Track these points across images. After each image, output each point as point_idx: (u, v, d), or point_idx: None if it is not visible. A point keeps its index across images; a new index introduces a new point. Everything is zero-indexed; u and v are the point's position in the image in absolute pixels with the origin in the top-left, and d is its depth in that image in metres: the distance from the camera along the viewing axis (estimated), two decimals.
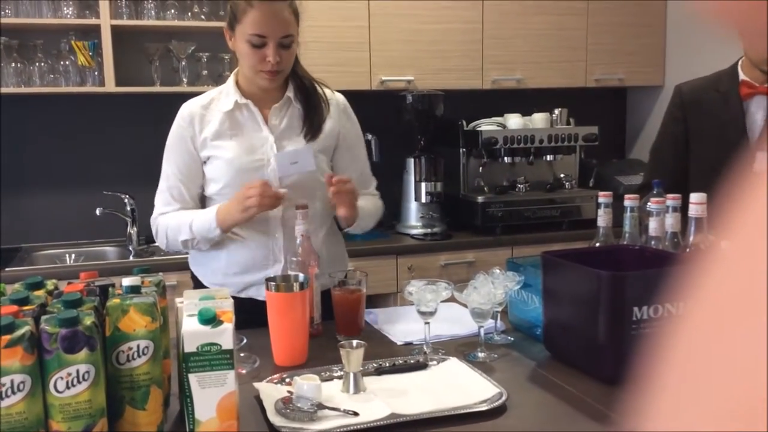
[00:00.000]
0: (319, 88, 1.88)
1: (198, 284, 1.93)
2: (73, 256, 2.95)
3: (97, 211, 2.87)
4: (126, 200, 2.97)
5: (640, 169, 3.21)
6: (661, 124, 2.32)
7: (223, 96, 1.85)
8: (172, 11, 2.99)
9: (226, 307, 1.11)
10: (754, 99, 2.10)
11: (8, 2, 2.77)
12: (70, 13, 2.85)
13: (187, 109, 1.85)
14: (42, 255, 2.92)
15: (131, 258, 2.90)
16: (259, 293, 1.74)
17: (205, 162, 1.84)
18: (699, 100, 2.19)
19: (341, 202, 1.74)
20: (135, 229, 2.98)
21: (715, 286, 0.24)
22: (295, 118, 1.85)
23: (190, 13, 3.02)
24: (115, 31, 2.84)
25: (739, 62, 2.16)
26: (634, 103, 3.85)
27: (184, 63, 3.04)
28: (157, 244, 1.92)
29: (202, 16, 3.03)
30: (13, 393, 0.97)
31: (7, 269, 2.56)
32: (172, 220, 1.82)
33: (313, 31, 3.01)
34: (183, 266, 2.70)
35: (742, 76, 2.12)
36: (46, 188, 3.07)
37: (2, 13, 2.77)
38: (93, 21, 2.81)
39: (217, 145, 1.81)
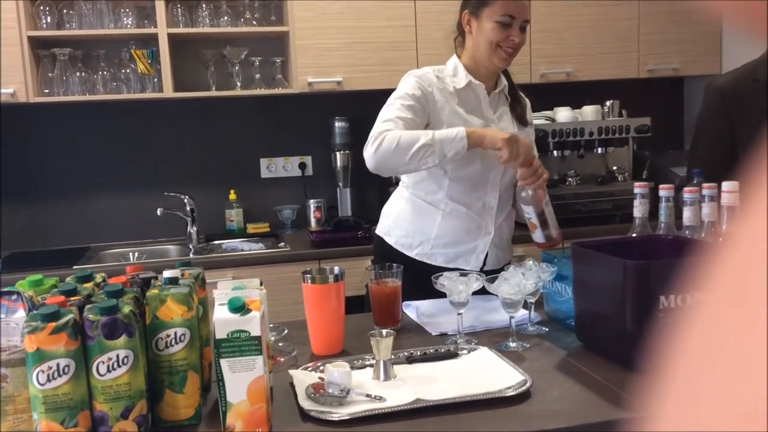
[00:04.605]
0: (519, 92, 2.10)
1: (390, 259, 1.83)
2: (136, 254, 3.10)
3: (158, 211, 3.01)
4: (185, 200, 3.10)
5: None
6: (699, 123, 2.29)
7: (449, 75, 1.98)
8: (226, 18, 3.10)
9: (254, 297, 1.17)
10: None
11: (72, 15, 2.94)
12: (130, 23, 2.99)
13: (421, 72, 1.97)
14: (108, 254, 3.08)
15: (191, 255, 3.02)
16: (467, 264, 1.94)
17: (431, 125, 1.91)
18: (738, 92, 2.15)
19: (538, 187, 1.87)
20: (195, 228, 3.11)
21: (724, 277, 0.24)
22: (506, 107, 2.05)
23: (242, 20, 3.13)
24: (172, 39, 2.97)
25: None
26: (692, 92, 3.76)
27: (237, 68, 3.15)
28: (370, 154, 1.81)
29: (254, 22, 3.14)
30: (59, 375, 1.06)
31: (75, 267, 2.72)
32: (406, 131, 1.81)
33: (361, 32, 3.09)
34: (240, 262, 2.82)
35: None
36: (110, 190, 3.24)
37: (67, 25, 2.94)
38: (151, 30, 2.94)
39: (451, 114, 1.91)
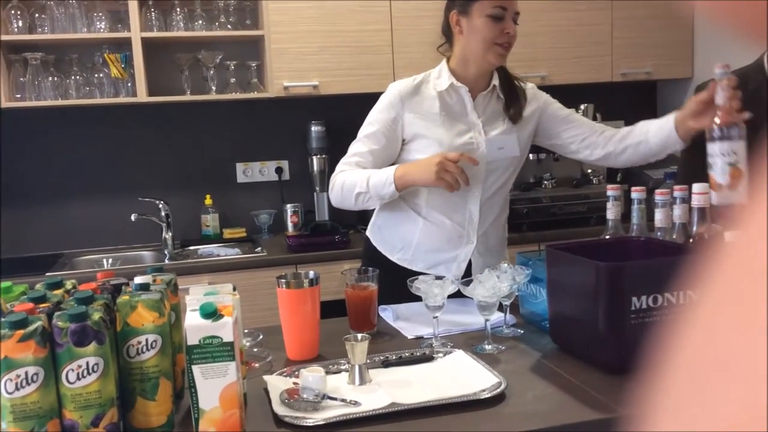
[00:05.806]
0: (517, 82, 1.99)
1: (377, 260, 1.96)
2: (110, 260, 3.07)
3: (132, 217, 2.98)
4: (160, 206, 3.08)
5: (671, 162, 3.17)
6: None
7: (434, 78, 1.94)
8: (200, 22, 3.08)
9: (227, 302, 1.16)
10: None
11: (44, 19, 2.90)
12: (103, 27, 2.97)
13: (398, 87, 1.94)
14: (82, 260, 3.04)
15: (166, 261, 3.00)
16: (448, 271, 1.91)
17: (407, 141, 1.92)
18: None
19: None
20: (170, 233, 3.08)
21: (721, 278, 0.24)
22: (498, 106, 1.97)
23: (217, 23, 3.11)
24: (146, 43, 2.95)
25: (765, 56, 2.07)
26: (665, 95, 3.81)
27: (212, 72, 3.13)
28: (330, 195, 1.95)
29: (229, 26, 3.12)
30: (28, 384, 1.05)
31: (47, 274, 2.68)
32: (350, 176, 1.87)
33: (336, 36, 3.08)
34: (216, 268, 2.80)
35: None
36: (84, 196, 3.20)
37: (39, 29, 2.91)
38: (125, 34, 2.92)
39: (427, 125, 1.90)
